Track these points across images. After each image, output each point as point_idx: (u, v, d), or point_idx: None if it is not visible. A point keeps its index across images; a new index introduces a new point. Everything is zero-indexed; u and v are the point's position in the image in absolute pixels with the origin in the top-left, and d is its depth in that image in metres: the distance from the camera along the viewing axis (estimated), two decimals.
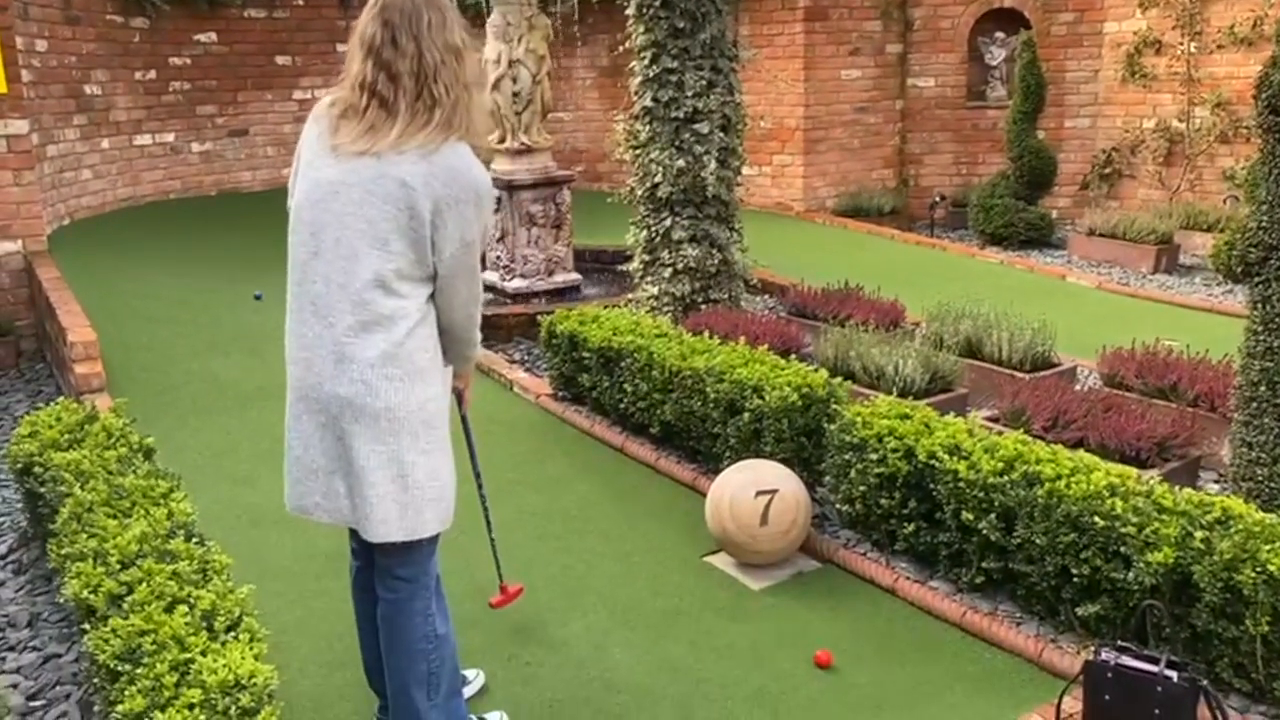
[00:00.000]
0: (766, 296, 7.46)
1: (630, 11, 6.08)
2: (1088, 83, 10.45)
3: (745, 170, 6.42)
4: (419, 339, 2.45)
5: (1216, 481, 4.19)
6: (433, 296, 2.49)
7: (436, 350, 2.53)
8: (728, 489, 3.73)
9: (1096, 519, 2.94)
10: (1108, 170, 10.36)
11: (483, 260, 7.06)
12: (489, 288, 7.94)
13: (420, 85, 2.37)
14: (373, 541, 2.48)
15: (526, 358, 6.54)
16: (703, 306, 6.13)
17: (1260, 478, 3.45)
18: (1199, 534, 2.77)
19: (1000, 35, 10.77)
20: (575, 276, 7.94)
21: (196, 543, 2.90)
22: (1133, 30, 9.95)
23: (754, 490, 3.67)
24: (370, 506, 2.43)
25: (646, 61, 6.03)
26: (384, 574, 2.62)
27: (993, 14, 10.72)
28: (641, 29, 6.04)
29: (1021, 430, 4.03)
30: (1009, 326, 5.21)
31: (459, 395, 2.87)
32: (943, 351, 5.01)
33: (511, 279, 7.75)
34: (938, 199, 10.47)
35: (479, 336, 2.69)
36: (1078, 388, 4.98)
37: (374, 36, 2.40)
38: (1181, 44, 9.52)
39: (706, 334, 4.84)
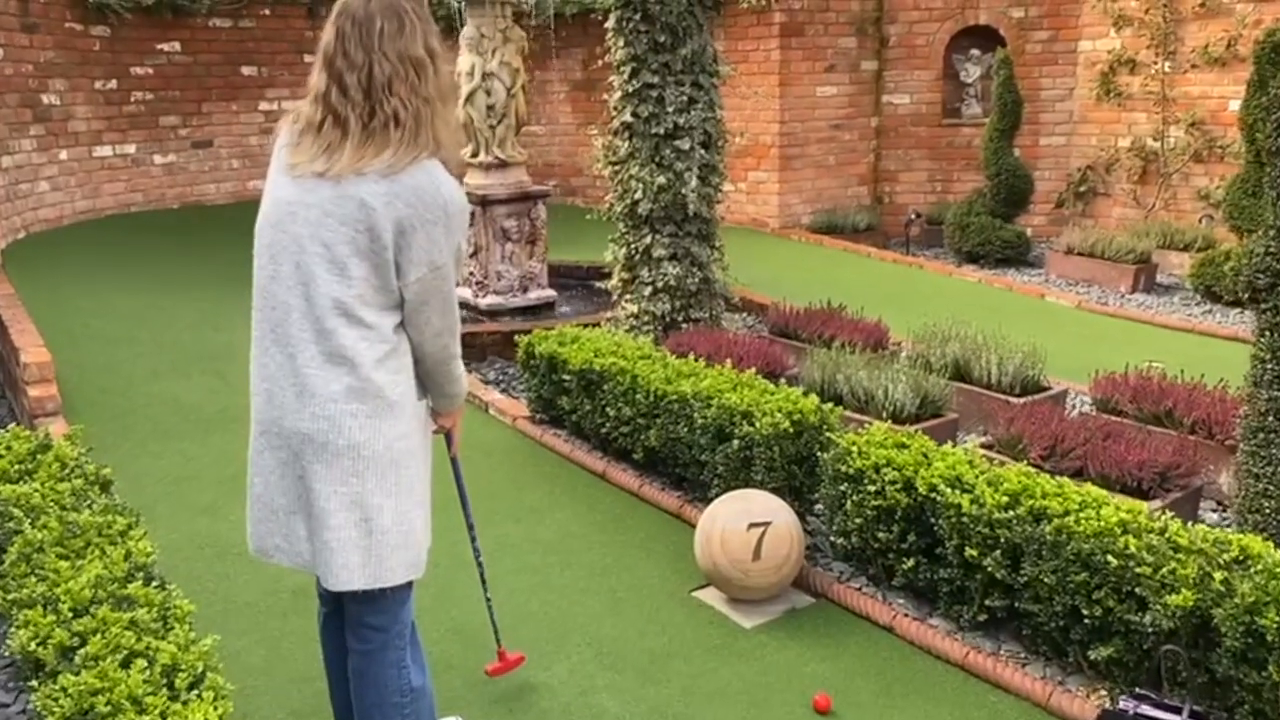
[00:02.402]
0: (745, 315, 7.32)
1: (609, 25, 5.94)
2: (1063, 101, 10.45)
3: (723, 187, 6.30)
4: (388, 372, 2.27)
5: (1216, 511, 4.09)
6: (403, 325, 2.32)
7: (410, 384, 2.35)
8: (718, 521, 3.57)
9: (1110, 558, 2.81)
10: (1083, 188, 10.35)
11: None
12: (462, 305, 7.75)
13: (371, 100, 2.20)
14: (333, 590, 2.31)
15: (502, 377, 6.36)
16: (683, 325, 5.99)
17: (1268, 510, 3.34)
18: (1218, 575, 2.64)
19: (975, 52, 10.75)
20: (550, 293, 7.78)
21: (157, 586, 2.70)
22: (1107, 49, 9.96)
23: (746, 522, 3.51)
24: (330, 552, 2.26)
25: (626, 76, 5.90)
26: (354, 623, 2.44)
27: (968, 31, 10.70)
28: (621, 43, 5.90)
29: (1021, 460, 3.91)
30: (998, 349, 5.10)
31: (447, 436, 2.69)
32: (931, 375, 4.89)
33: (485, 295, 7.57)
34: (913, 216, 10.41)
35: (461, 371, 2.50)
36: (1070, 413, 4.88)
37: (329, 45, 2.25)
38: (1155, 63, 9.53)
39: (690, 356, 4.69)
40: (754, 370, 4.39)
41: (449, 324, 2.38)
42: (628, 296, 6.15)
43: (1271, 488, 3.32)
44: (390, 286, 2.26)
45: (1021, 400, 4.77)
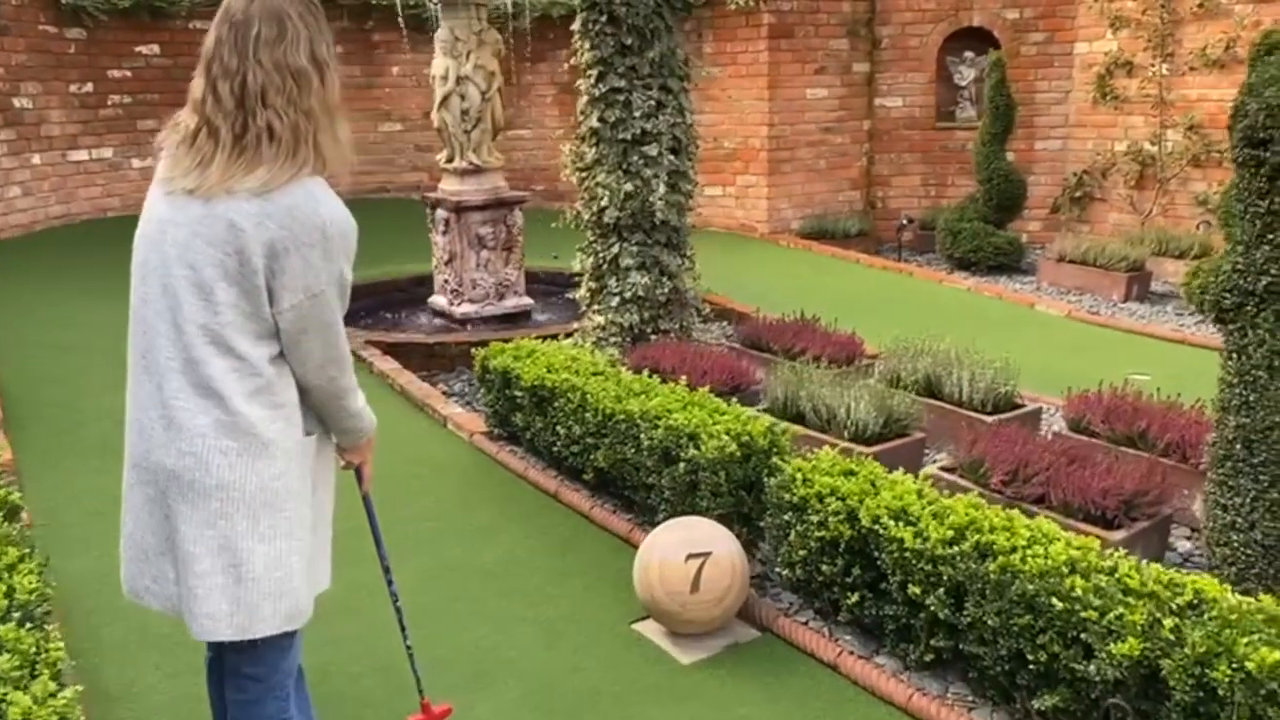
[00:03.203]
0: (725, 323, 7.13)
1: (575, 27, 5.77)
2: (1058, 104, 10.24)
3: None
4: (261, 407, 2.10)
5: (1189, 539, 3.89)
6: (283, 356, 2.15)
7: (290, 420, 2.17)
8: (656, 551, 3.39)
9: (1054, 600, 2.62)
10: (1078, 193, 10.13)
11: (433, 284, 6.41)
12: (437, 313, 7.60)
13: (243, 110, 2.04)
14: (199, 639, 2.14)
15: (468, 389, 6.19)
16: (652, 337, 5.81)
17: (1235, 544, 3.14)
18: (1168, 621, 2.45)
19: (969, 55, 10.54)
20: (527, 301, 7.63)
21: (33, 628, 2.53)
22: (1103, 51, 9.74)
23: (684, 553, 3.33)
24: (195, 599, 2.10)
25: (593, 80, 5.72)
26: (231, 672, 2.29)
27: (962, 33, 10.49)
28: (588, 45, 5.73)
29: (979, 485, 3.73)
30: (971, 364, 4.90)
31: (358, 472, 2.52)
32: (900, 391, 4.70)
33: (459, 304, 7.42)
34: (905, 221, 10.20)
35: (360, 405, 2.33)
36: (1043, 431, 4.68)
37: (208, 49, 2.09)
38: (1153, 65, 9.31)
39: (648, 371, 4.51)
40: (708, 388, 4.21)
41: (334, 356, 2.20)
42: (595, 307, 5.97)
43: (1239, 520, 3.12)
44: (263, 314, 2.09)
45: (993, 418, 4.57)
